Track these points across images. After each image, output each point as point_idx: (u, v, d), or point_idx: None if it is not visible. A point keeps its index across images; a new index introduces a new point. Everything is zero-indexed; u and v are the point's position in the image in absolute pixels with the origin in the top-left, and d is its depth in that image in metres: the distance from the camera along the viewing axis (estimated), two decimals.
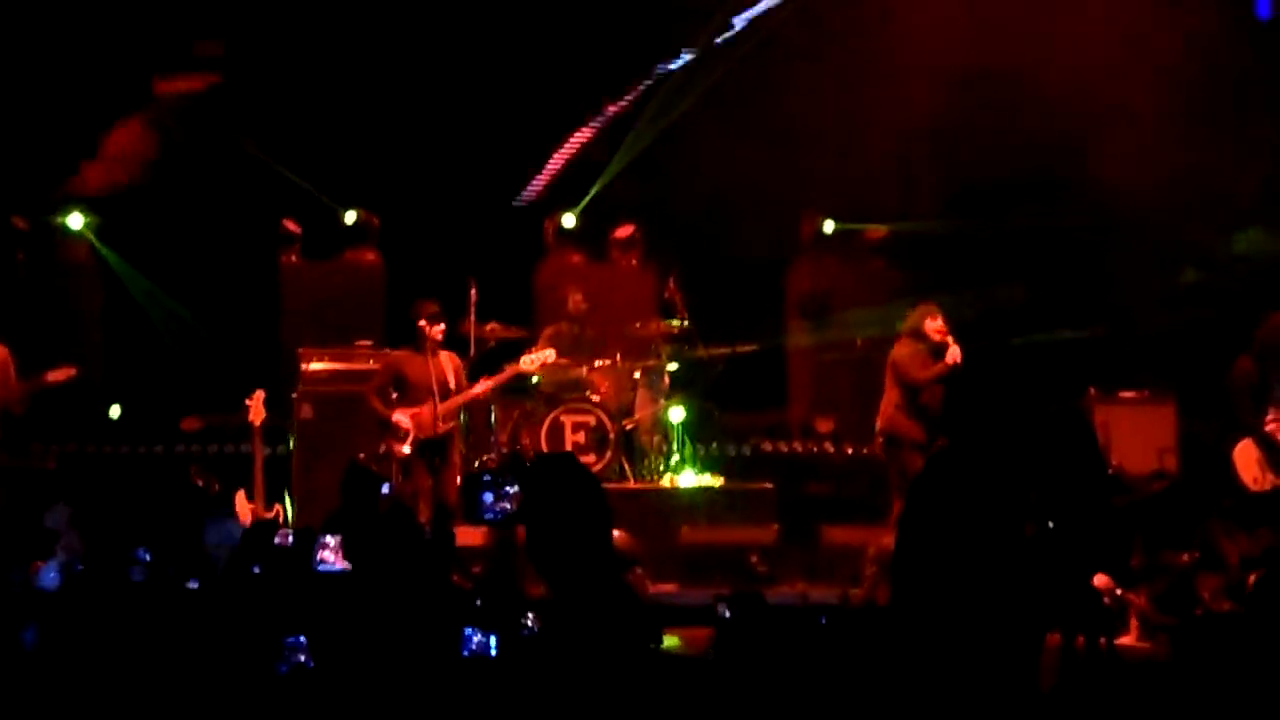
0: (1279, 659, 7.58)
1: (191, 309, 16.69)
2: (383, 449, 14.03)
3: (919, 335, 13.88)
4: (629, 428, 15.23)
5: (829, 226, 17.35)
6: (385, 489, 13.11)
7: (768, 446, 16.04)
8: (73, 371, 14.71)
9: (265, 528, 11.94)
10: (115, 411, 16.46)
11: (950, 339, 13.78)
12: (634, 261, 16.77)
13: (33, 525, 11.77)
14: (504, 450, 14.96)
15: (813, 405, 16.88)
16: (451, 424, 13.98)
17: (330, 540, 9.86)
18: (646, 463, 15.22)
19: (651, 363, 15.49)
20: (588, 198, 17.12)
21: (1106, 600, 11.13)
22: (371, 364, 15.02)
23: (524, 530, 8.05)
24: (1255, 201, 16.12)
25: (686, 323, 15.43)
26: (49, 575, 10.52)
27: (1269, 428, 13.38)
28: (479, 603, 8.65)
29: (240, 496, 13.57)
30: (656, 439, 15.30)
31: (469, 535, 13.33)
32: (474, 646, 7.69)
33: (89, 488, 14.43)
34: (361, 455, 14.13)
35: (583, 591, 6.48)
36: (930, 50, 16.20)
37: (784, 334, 17.14)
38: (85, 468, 15.52)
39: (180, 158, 16.78)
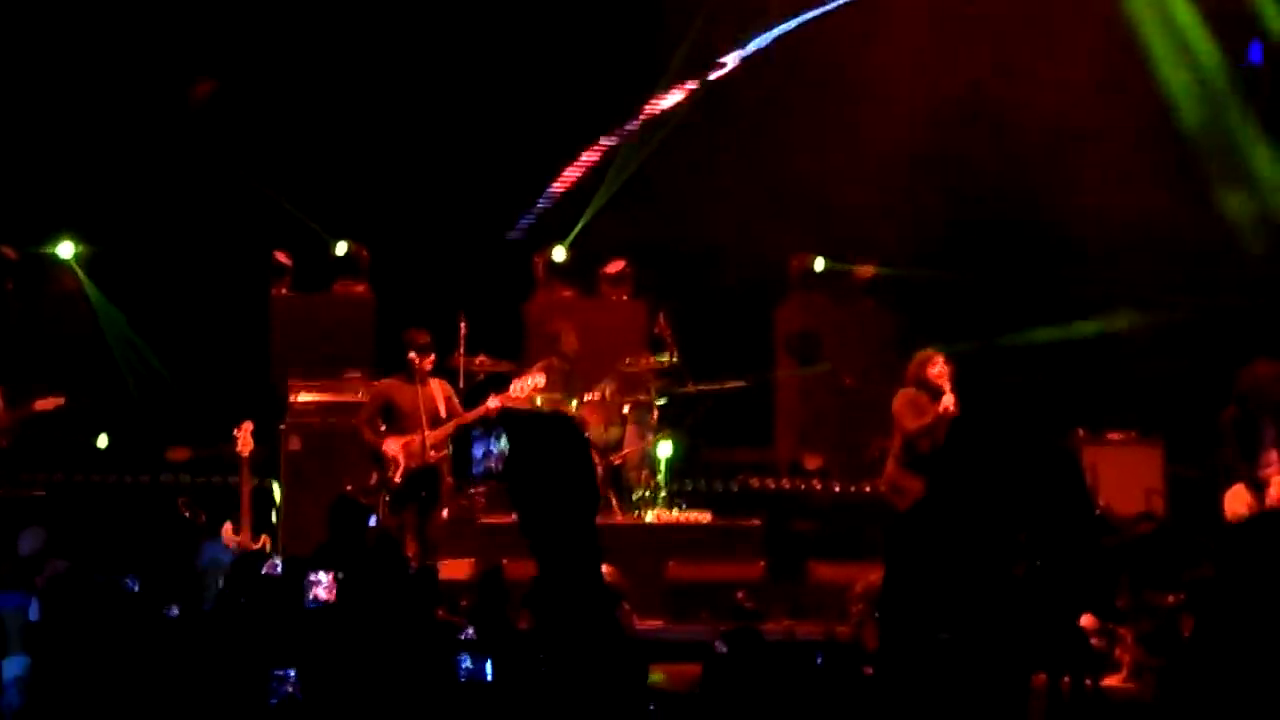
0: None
1: (179, 342, 16.70)
2: (372, 480, 14.02)
3: (920, 382, 13.81)
4: (617, 463, 15.24)
5: (819, 264, 17.38)
6: (372, 521, 13.10)
7: (755, 483, 16.05)
8: (60, 401, 14.72)
9: (253, 559, 11.93)
10: (103, 441, 16.45)
11: (947, 387, 13.71)
12: (624, 297, 16.80)
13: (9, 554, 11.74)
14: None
15: (800, 442, 16.90)
16: (443, 453, 13.97)
17: (324, 577, 9.85)
18: (634, 498, 15.22)
19: (640, 398, 15.49)
20: (576, 231, 17.15)
21: (1094, 641, 11.15)
22: (360, 396, 15.02)
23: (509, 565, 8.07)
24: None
25: (676, 359, 15.43)
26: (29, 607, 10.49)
27: (1263, 473, 13.40)
28: (467, 635, 8.67)
29: (227, 528, 13.55)
30: (644, 474, 15.30)
31: (456, 569, 13.33)
32: (468, 671, 7.71)
33: (76, 517, 14.43)
34: (349, 487, 14.12)
35: (567, 562, 6.46)
36: (917, 86, 16.30)
37: (773, 371, 17.16)
38: (73, 497, 15.49)
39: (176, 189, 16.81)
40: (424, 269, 16.69)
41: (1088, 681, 10.31)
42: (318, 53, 16.85)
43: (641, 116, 17.53)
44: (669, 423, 15.48)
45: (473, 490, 15.12)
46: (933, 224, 16.84)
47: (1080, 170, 16.13)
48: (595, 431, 15.22)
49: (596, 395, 15.39)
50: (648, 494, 15.22)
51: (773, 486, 16.10)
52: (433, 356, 13.95)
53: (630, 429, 15.39)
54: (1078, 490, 13.84)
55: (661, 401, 15.48)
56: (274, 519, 14.84)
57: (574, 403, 15.25)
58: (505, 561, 11.93)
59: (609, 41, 17.04)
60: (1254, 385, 13.63)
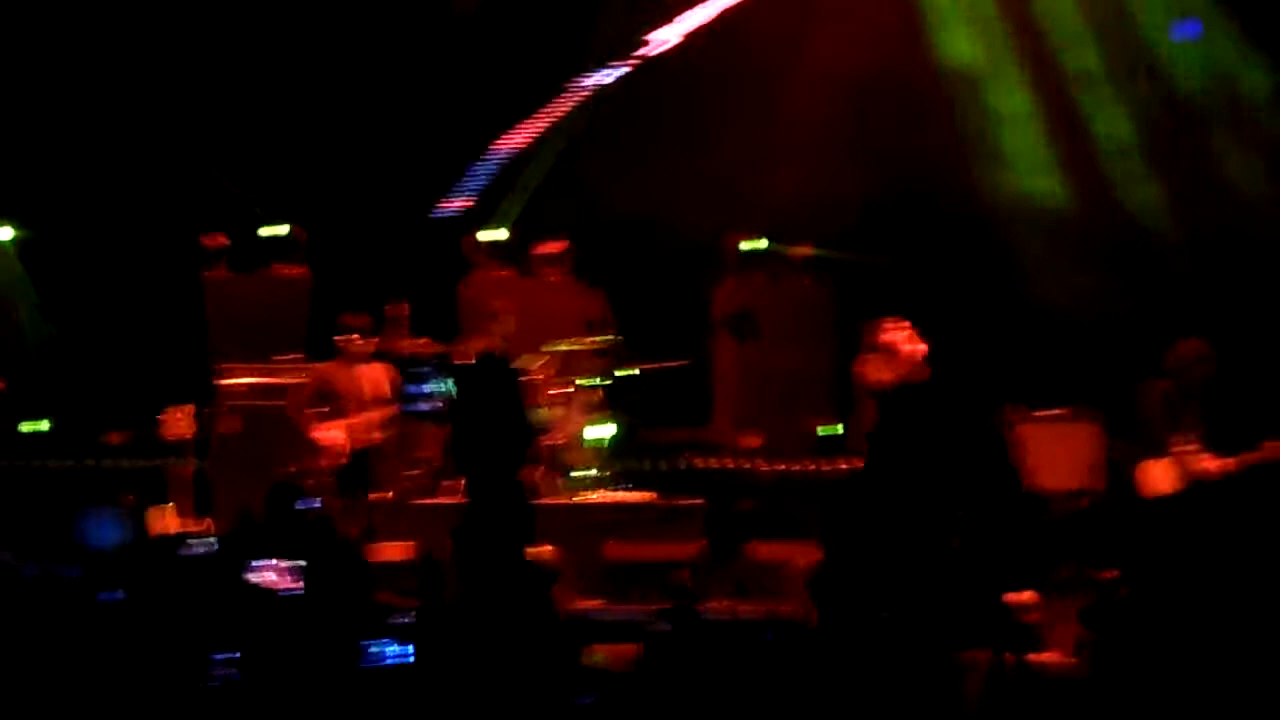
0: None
1: (116, 325, 16.62)
2: (309, 463, 13.99)
3: (881, 346, 13.93)
4: (556, 443, 15.22)
5: (756, 244, 17.38)
6: (310, 505, 13.08)
7: (695, 462, 16.04)
8: (0, 386, 14.63)
9: (187, 541, 11.88)
10: (41, 426, 16.35)
11: (914, 342, 13.83)
12: (561, 277, 16.75)
13: None
14: (433, 465, 14.92)
15: (740, 422, 16.89)
16: (383, 435, 13.95)
17: (270, 561, 9.83)
18: (573, 478, 15.21)
19: (579, 378, 15.49)
20: (514, 213, 17.11)
21: (1032, 616, 11.19)
22: (297, 377, 14.99)
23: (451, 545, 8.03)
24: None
25: (614, 338, 15.43)
26: None
27: (1186, 449, 13.54)
28: (404, 618, 8.66)
29: (165, 510, 13.50)
30: (583, 455, 15.30)
31: (394, 551, 13.31)
32: (388, 658, 7.70)
33: (14, 504, 14.35)
34: (289, 469, 14.10)
35: (499, 493, 6.46)
36: (849, 65, 16.33)
37: (711, 351, 17.16)
38: (9, 482, 15.39)
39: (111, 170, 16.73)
40: (361, 250, 16.64)
41: (1026, 657, 10.35)
42: (253, 33, 16.77)
43: (576, 94, 17.50)
44: (608, 403, 15.48)
45: (412, 473, 15.09)
46: (864, 204, 16.93)
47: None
48: (534, 412, 15.22)
49: (535, 376, 15.38)
50: (587, 474, 15.22)
51: (713, 466, 16.09)
52: (373, 340, 13.94)
53: (569, 409, 15.38)
54: (1004, 467, 13.95)
55: (600, 382, 15.48)
56: None
57: None
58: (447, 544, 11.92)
59: (542, 21, 17.03)
60: (1179, 362, 13.81)
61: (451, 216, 17.59)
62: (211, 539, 12.39)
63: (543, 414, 15.19)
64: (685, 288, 17.20)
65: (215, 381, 15.46)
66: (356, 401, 13.79)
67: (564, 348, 15.58)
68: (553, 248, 16.68)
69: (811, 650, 8.35)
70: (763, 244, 17.32)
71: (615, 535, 14.55)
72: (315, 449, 13.98)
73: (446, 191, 17.64)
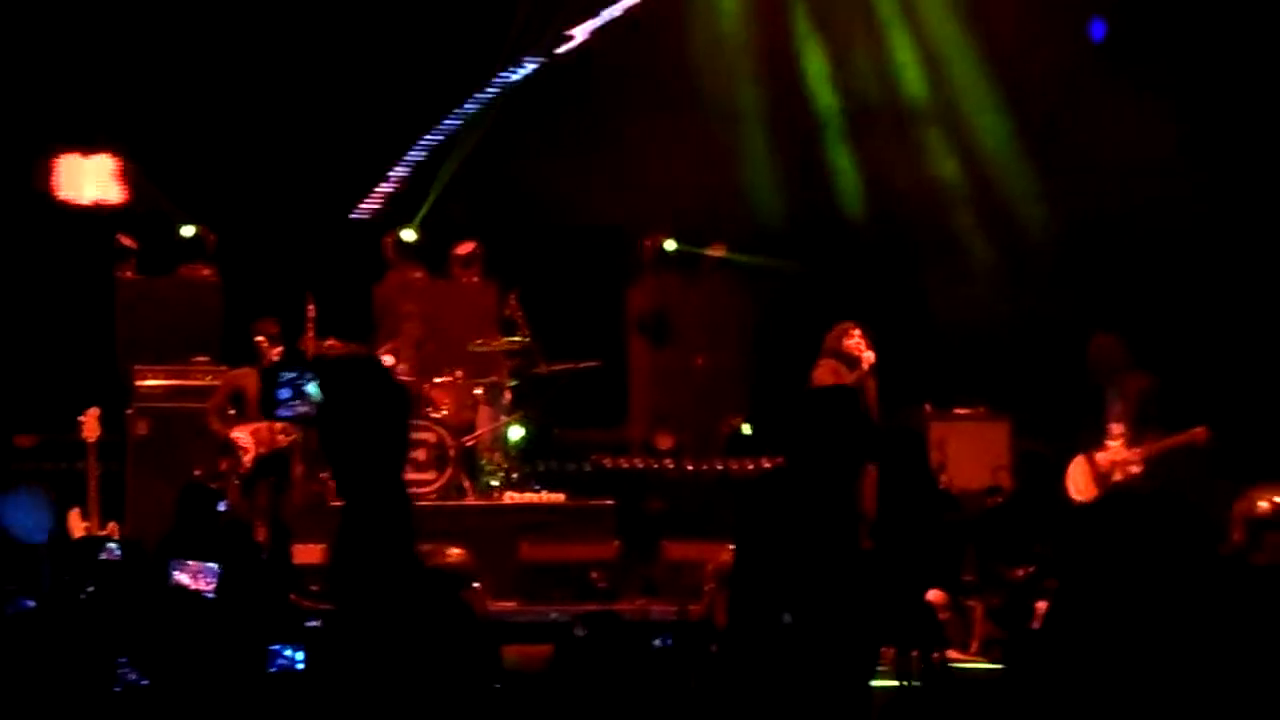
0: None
1: (23, 326, 16.48)
2: (222, 466, 13.94)
3: (837, 354, 13.96)
4: (469, 444, 15.21)
5: (670, 245, 17.41)
6: (222, 507, 13.03)
7: (608, 463, 16.04)
8: None
9: (96, 544, 11.80)
10: None
11: (866, 352, 13.89)
12: (475, 278, 16.72)
13: None
14: None
15: (653, 422, 16.92)
16: (293, 437, 13.90)
17: (187, 564, 9.76)
18: (486, 479, 15.20)
19: (492, 379, 15.48)
20: (424, 212, 17.08)
21: (942, 615, 11.26)
22: (209, 380, 14.95)
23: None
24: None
25: (527, 339, 15.44)
26: None
27: (1108, 445, 13.64)
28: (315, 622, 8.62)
29: (74, 514, 13.41)
30: (497, 456, 15.29)
31: (308, 554, 13.25)
32: (280, 662, 7.68)
33: None
34: (198, 472, 14.04)
35: (373, 500, 6.41)
36: (761, 64, 16.41)
37: (625, 351, 17.18)
38: None
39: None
40: (272, 250, 16.57)
41: (936, 655, 10.42)
42: (163, 33, 16.66)
43: (488, 93, 17.47)
44: (521, 404, 15.48)
45: (326, 474, 15.04)
46: (779, 204, 17.01)
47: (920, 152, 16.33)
48: (448, 413, 15.20)
49: (448, 377, 15.36)
50: (500, 475, 15.22)
51: (626, 466, 16.10)
52: (281, 347, 13.96)
53: (482, 410, 15.37)
54: (920, 466, 14.02)
55: (514, 383, 15.48)
56: None
57: (424, 385, 15.22)
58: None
59: (455, 18, 17.01)
60: (1096, 357, 13.92)
61: (365, 217, 17.54)
62: (121, 542, 12.33)
63: (456, 415, 15.19)
64: (600, 288, 17.21)
65: (127, 383, 15.37)
66: None
67: (477, 348, 15.57)
68: (466, 249, 16.67)
69: (721, 649, 8.37)
70: (676, 245, 17.36)
71: (528, 537, 14.55)
72: (228, 452, 13.93)
73: (360, 192, 17.58)
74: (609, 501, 15.00)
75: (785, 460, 13.95)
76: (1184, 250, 16.08)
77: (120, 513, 14.33)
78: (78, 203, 16.38)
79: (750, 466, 15.34)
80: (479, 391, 15.41)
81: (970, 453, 15.38)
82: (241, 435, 13.85)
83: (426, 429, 14.99)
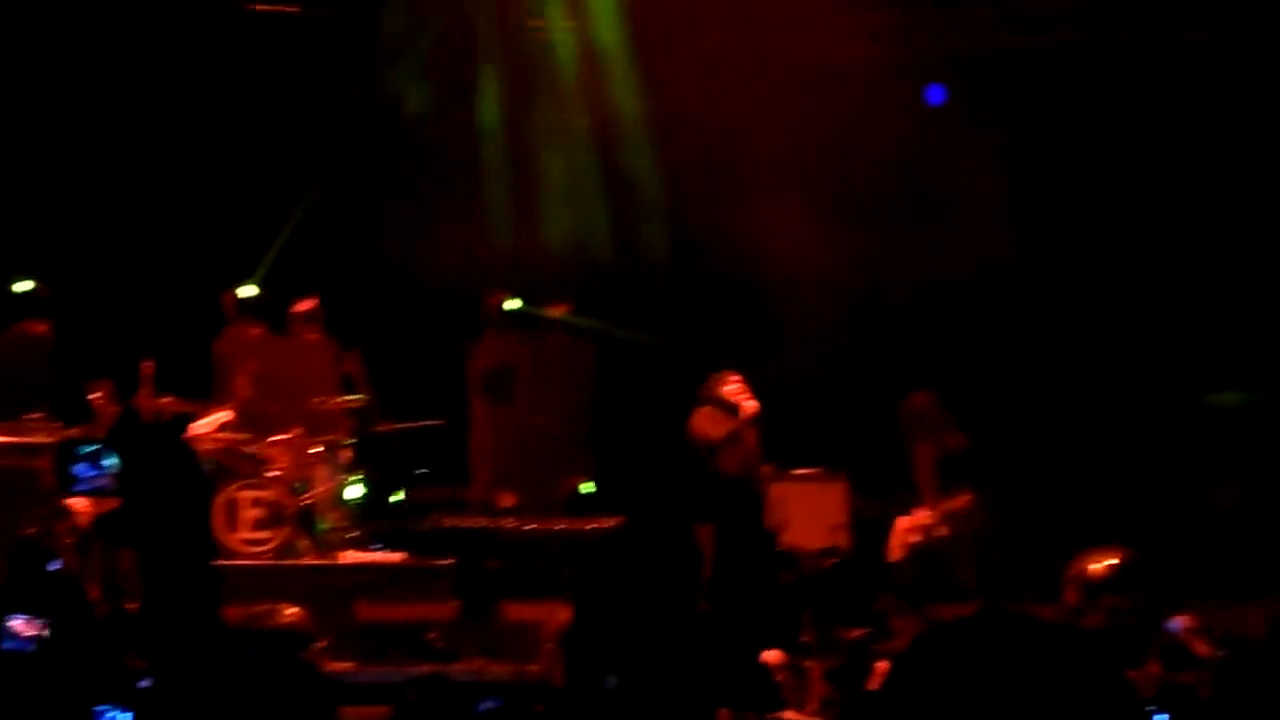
0: None
1: None
2: (55, 524, 13.75)
3: (714, 401, 14.01)
4: (307, 503, 15.11)
5: (513, 303, 17.42)
6: (55, 565, 12.84)
7: (448, 522, 15.99)
8: None
9: None
10: None
11: (746, 397, 13.93)
12: (315, 335, 16.61)
13: None
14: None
15: (494, 481, 16.89)
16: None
17: (19, 620, 9.64)
18: (324, 538, 15.10)
19: (331, 437, 15.40)
20: (264, 268, 16.96)
21: (779, 676, 11.28)
22: (43, 437, 14.75)
23: None
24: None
25: (367, 397, 15.38)
26: None
27: (925, 500, 13.91)
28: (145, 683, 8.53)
29: None
30: (335, 515, 15.20)
31: None
32: None
33: None
34: (32, 530, 13.84)
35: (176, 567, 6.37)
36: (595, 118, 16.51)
37: (467, 410, 17.15)
38: None
39: None
40: (109, 306, 16.40)
41: (771, 716, 10.43)
42: None
43: (334, 150, 17.44)
44: (361, 462, 15.41)
45: None
46: (626, 262, 17.12)
47: (751, 202, 16.45)
48: (285, 472, 15.10)
49: (286, 435, 15.26)
50: (339, 534, 15.13)
51: (466, 525, 16.05)
52: (116, 408, 13.85)
53: (320, 469, 15.27)
54: (757, 526, 14.11)
55: (353, 441, 15.42)
56: None
57: (262, 443, 15.11)
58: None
59: (298, 73, 17.01)
60: (907, 415, 14.17)
61: (206, 272, 17.40)
62: None
63: (295, 473, 15.09)
64: (442, 346, 17.19)
65: None
66: None
67: (317, 406, 15.49)
68: (306, 305, 16.55)
69: (558, 711, 8.36)
70: (520, 303, 17.38)
71: (367, 596, 14.46)
72: (61, 510, 13.74)
73: (202, 248, 17.45)
74: (449, 561, 14.93)
75: (624, 520, 14.07)
76: (1015, 311, 16.36)
77: None
78: None
79: (590, 526, 15.34)
80: (317, 450, 15.31)
81: (808, 513, 15.50)
82: (76, 501, 13.73)
83: (263, 487, 14.88)
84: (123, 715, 7.59)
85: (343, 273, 16.95)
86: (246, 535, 14.82)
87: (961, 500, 14.11)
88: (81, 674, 8.94)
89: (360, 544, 15.12)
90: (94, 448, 11.03)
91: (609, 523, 14.90)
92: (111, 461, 10.61)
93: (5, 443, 15.07)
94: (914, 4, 17.19)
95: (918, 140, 16.51)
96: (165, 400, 14.97)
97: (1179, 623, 10.03)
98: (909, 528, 14.17)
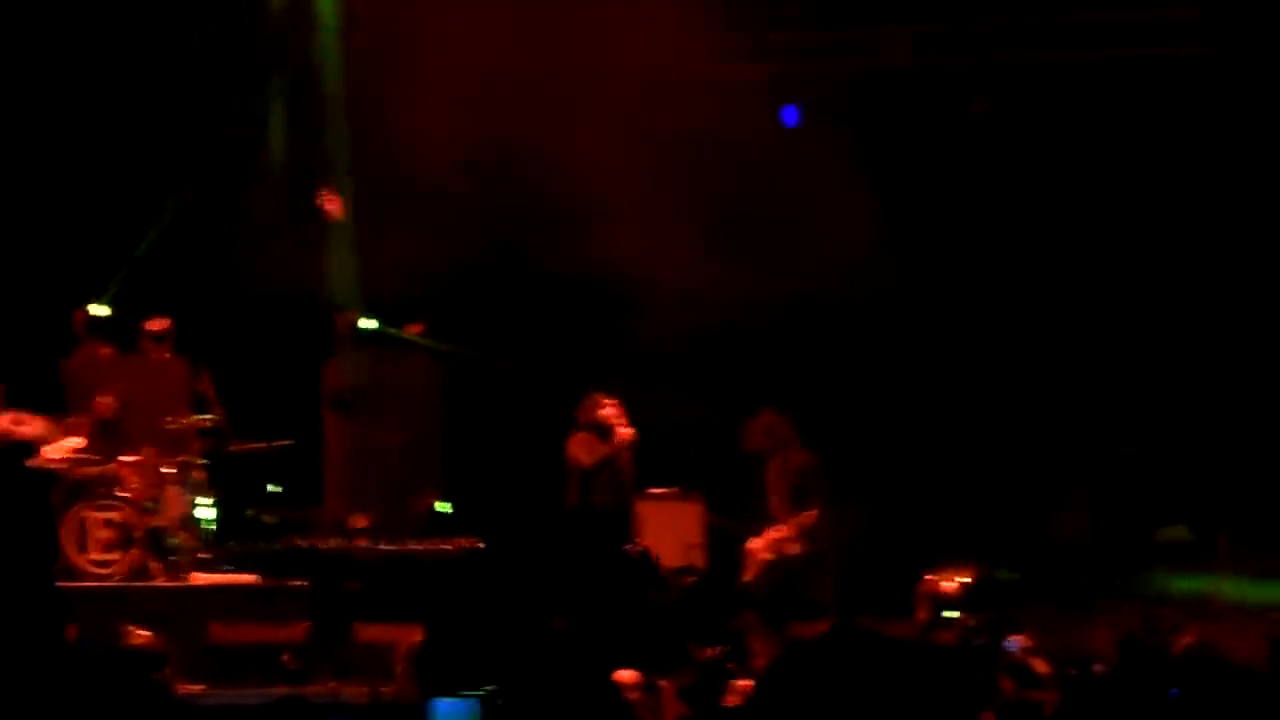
0: None
1: None
2: None
3: (590, 425, 14.01)
4: (158, 524, 14.95)
5: (366, 323, 17.33)
6: None
7: (301, 543, 15.86)
8: None
9: None
10: None
11: (620, 421, 13.92)
12: (166, 355, 16.43)
13: None
14: None
15: (349, 501, 16.79)
16: None
17: None
18: (176, 560, 14.95)
19: (183, 458, 15.26)
20: (114, 288, 16.79)
21: (633, 695, 11.28)
22: None
23: None
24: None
25: (219, 417, 15.27)
26: None
27: (774, 518, 14.03)
28: None
29: None
30: (186, 535, 15.06)
31: None
32: None
33: None
34: None
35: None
36: (451, 133, 16.47)
37: (319, 430, 17.05)
38: None
39: None
40: None
41: None
42: None
43: (190, 168, 17.32)
44: (212, 483, 15.29)
45: None
46: (478, 279, 17.10)
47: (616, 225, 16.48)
48: (136, 492, 14.95)
49: (137, 455, 15.10)
50: (190, 556, 14.99)
51: (318, 546, 15.94)
52: None
53: (172, 490, 15.13)
54: (613, 546, 14.10)
55: (204, 461, 15.29)
56: None
57: (112, 463, 14.95)
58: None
59: (145, 96, 16.89)
60: (754, 434, 14.29)
61: (56, 291, 17.21)
62: None
63: (145, 494, 14.94)
64: (294, 365, 17.08)
65: None
66: None
67: (168, 426, 15.35)
68: (157, 325, 16.38)
69: None
70: (373, 323, 17.29)
71: (219, 618, 14.33)
72: None
73: (51, 267, 17.26)
74: (301, 582, 14.82)
75: (479, 541, 14.02)
76: (871, 330, 16.50)
77: None
78: None
79: (445, 547, 15.27)
80: (169, 470, 15.17)
81: (665, 532, 15.54)
82: None
83: (113, 508, 14.73)
84: None
85: (194, 292, 16.82)
86: (97, 556, 14.68)
87: (811, 516, 14.23)
88: None
89: (211, 565, 15.00)
90: None
91: (463, 543, 14.84)
92: None
93: None
94: (777, 24, 17.30)
95: (775, 160, 16.62)
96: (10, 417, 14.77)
97: (1016, 642, 10.18)
98: (762, 546, 14.28)
